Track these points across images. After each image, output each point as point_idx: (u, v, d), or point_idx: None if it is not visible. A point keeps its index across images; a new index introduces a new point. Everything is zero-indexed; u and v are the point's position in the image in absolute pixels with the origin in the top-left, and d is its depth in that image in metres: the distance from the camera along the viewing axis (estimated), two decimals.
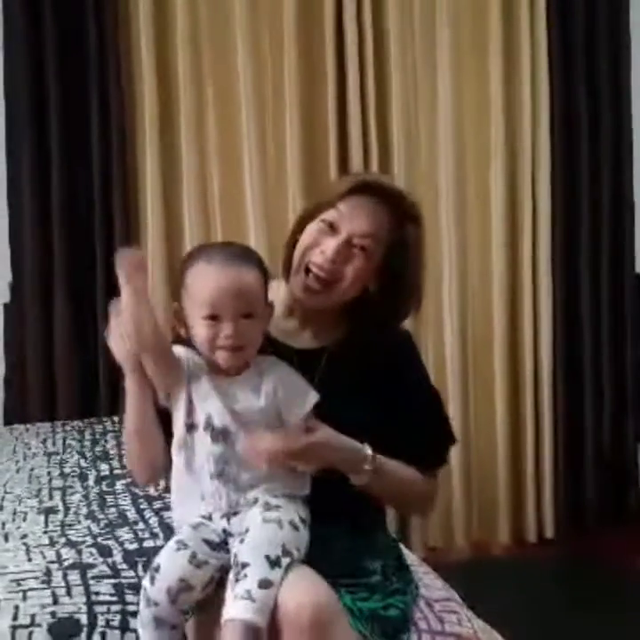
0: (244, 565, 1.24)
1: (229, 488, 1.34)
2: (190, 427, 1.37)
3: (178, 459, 1.39)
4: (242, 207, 3.09)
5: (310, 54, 3.14)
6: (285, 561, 1.25)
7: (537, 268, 3.38)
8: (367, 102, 3.16)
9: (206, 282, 1.36)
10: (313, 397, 1.40)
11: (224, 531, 1.34)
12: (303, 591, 1.23)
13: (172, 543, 1.32)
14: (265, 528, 1.29)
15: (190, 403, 1.37)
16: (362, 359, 1.51)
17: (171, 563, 1.29)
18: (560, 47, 3.30)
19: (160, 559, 1.30)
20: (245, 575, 1.23)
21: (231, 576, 1.26)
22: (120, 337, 1.40)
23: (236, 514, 1.34)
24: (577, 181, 3.38)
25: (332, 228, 1.49)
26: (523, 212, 3.35)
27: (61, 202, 2.91)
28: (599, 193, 3.39)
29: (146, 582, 1.30)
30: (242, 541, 1.28)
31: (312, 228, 1.51)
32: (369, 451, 1.42)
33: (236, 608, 1.21)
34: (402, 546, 1.69)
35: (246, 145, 3.07)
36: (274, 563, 1.24)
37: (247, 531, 1.29)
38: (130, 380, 1.42)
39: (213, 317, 1.35)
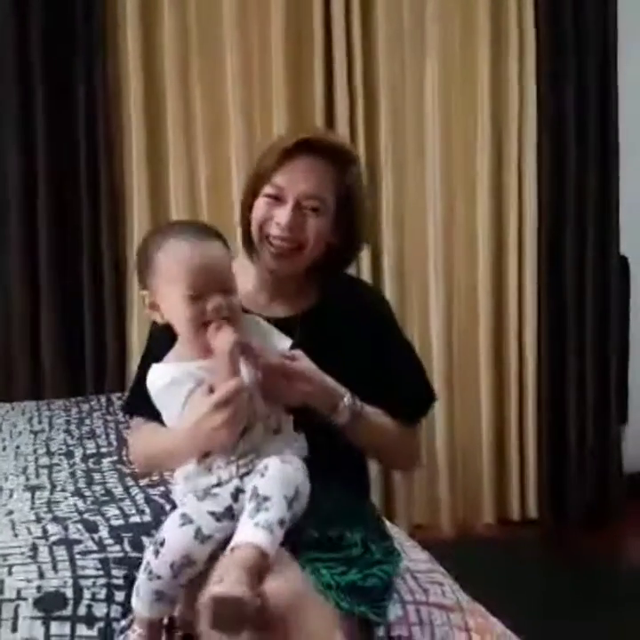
0: (266, 498, 1.26)
1: (244, 448, 1.35)
2: None
3: None
4: (228, 189, 3.08)
5: (298, 42, 3.10)
6: (295, 505, 1.28)
7: (522, 251, 3.38)
8: (355, 92, 3.14)
9: (183, 259, 1.34)
10: (286, 342, 1.44)
11: (237, 490, 1.33)
12: (279, 577, 1.24)
13: (176, 517, 1.31)
14: (284, 467, 1.31)
15: None
16: (335, 322, 1.54)
17: (175, 538, 1.29)
18: (548, 40, 3.28)
19: (164, 534, 1.30)
20: (267, 508, 1.25)
21: (250, 505, 1.26)
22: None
23: (248, 473, 1.34)
24: (563, 164, 3.37)
25: (278, 198, 1.51)
26: (509, 195, 3.35)
27: (47, 183, 2.89)
28: (585, 175, 3.38)
29: (149, 556, 1.30)
30: (262, 476, 1.30)
31: (259, 204, 1.53)
32: (348, 392, 1.47)
33: (257, 535, 1.22)
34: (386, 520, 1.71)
35: (234, 138, 3.05)
36: (289, 503, 1.27)
37: (266, 468, 1.31)
38: (205, 448, 1.37)
39: (195, 296, 1.33)
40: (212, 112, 3.06)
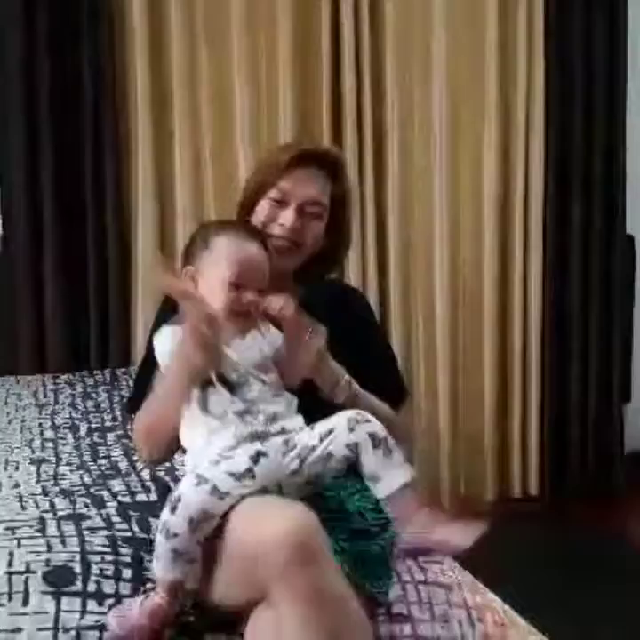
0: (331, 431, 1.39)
1: (255, 422, 1.40)
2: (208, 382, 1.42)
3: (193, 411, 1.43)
4: (234, 188, 3.06)
5: (304, 30, 3.10)
6: None
7: (528, 230, 3.38)
8: (362, 70, 3.13)
9: (239, 250, 1.46)
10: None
11: (258, 453, 1.35)
12: (290, 516, 1.26)
13: (191, 477, 1.32)
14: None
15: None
16: (321, 317, 1.57)
17: (192, 494, 1.30)
18: (557, 8, 3.28)
19: (181, 490, 1.31)
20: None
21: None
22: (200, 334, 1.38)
23: (266, 437, 1.38)
24: (570, 142, 3.37)
25: (282, 201, 1.62)
26: (515, 172, 3.35)
27: (52, 152, 2.87)
28: (592, 154, 3.38)
29: (166, 514, 1.31)
30: (312, 428, 1.41)
31: (263, 206, 1.64)
32: (346, 373, 1.55)
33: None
34: None
35: (240, 140, 3.04)
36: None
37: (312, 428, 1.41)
38: (191, 375, 1.42)
39: (237, 286, 1.43)
40: (219, 113, 3.05)
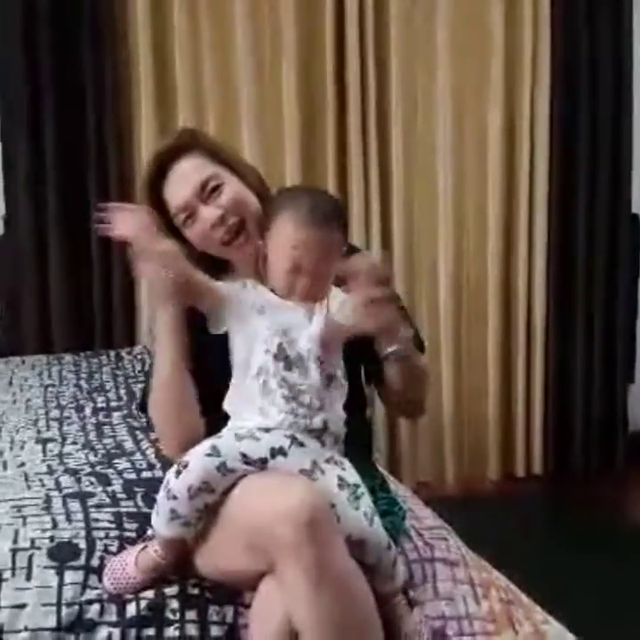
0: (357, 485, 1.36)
1: (300, 411, 1.36)
2: (267, 353, 1.38)
3: (252, 382, 1.39)
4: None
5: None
6: None
7: (533, 209, 3.37)
8: (366, 58, 3.12)
9: (296, 237, 1.39)
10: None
11: (280, 449, 1.33)
12: (302, 491, 1.25)
13: (206, 446, 1.32)
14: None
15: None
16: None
17: (198, 464, 1.30)
18: None
19: (190, 457, 1.32)
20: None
21: (345, 493, 1.33)
22: (154, 272, 1.36)
23: (301, 445, 1.34)
24: (575, 122, 3.34)
25: (190, 216, 1.56)
26: (520, 152, 3.33)
27: (54, 132, 2.88)
28: (597, 134, 3.36)
29: (170, 475, 1.33)
30: (343, 469, 1.36)
31: (191, 234, 1.57)
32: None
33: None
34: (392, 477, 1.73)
35: (247, 134, 3.04)
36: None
37: (343, 462, 1.37)
38: (165, 317, 1.42)
39: (296, 269, 1.39)
40: (223, 112, 3.05)
